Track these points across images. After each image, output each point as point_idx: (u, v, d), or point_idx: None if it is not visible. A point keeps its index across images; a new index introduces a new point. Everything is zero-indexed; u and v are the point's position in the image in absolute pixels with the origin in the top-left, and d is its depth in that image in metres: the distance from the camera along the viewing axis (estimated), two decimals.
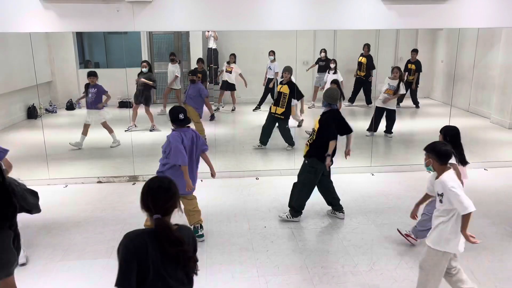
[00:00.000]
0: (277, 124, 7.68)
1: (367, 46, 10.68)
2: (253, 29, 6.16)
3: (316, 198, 5.71)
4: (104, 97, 7.66)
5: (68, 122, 9.78)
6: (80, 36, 10.81)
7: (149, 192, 2.25)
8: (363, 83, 10.72)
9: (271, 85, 9.89)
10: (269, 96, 9.99)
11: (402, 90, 8.25)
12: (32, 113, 9.54)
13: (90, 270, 4.12)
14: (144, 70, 8.87)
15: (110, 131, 7.86)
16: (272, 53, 9.96)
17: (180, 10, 5.75)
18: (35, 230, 4.90)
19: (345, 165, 6.95)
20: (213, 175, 4.74)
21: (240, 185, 6.20)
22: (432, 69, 12.29)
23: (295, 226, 4.98)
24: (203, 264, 4.18)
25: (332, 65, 9.98)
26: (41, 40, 9.65)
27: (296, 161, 6.86)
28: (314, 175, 4.99)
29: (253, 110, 10.07)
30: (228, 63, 10.18)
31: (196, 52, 10.97)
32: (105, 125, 7.78)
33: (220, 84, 10.41)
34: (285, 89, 7.41)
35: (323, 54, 10.71)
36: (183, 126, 4.40)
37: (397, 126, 9.08)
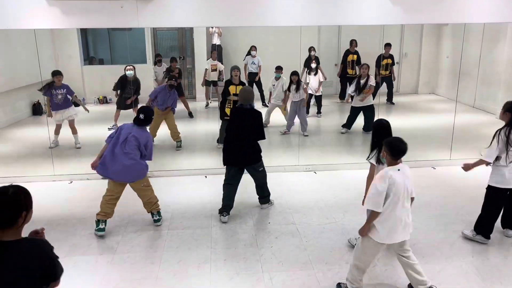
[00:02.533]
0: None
1: (355, 42, 10.32)
2: (257, 25, 6.14)
3: (320, 195, 5.72)
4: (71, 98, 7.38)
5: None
6: (84, 33, 10.83)
7: None
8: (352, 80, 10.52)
9: (256, 79, 9.96)
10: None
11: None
12: (37, 110, 9.59)
13: (95, 265, 4.14)
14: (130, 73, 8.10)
15: (75, 132, 7.60)
16: (254, 48, 10.00)
17: (184, 6, 5.74)
18: (41, 226, 4.93)
19: (349, 161, 6.95)
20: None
21: (244, 182, 6.20)
22: (437, 65, 12.23)
23: (299, 222, 4.99)
24: (208, 260, 4.20)
25: (313, 65, 9.38)
26: (46, 36, 9.67)
27: (300, 158, 6.87)
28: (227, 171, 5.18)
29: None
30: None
31: (200, 48, 10.96)
32: (72, 124, 7.55)
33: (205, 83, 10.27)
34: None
35: (312, 53, 9.88)
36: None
37: (401, 122, 9.04)
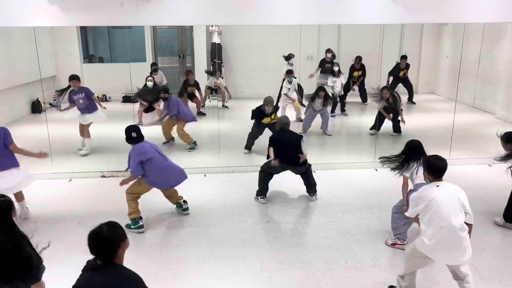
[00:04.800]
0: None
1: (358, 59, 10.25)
2: (257, 24, 6.13)
3: (319, 194, 5.72)
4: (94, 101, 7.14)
5: (72, 116, 9.77)
6: (84, 31, 10.82)
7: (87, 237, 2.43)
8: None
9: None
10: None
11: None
12: (36, 108, 9.57)
13: None
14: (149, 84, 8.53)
15: (88, 136, 7.32)
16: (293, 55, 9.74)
17: (184, 4, 5.74)
18: (40, 225, 4.92)
19: (349, 161, 6.96)
20: None
21: (243, 180, 6.21)
22: (437, 65, 12.23)
23: (298, 221, 4.99)
24: (207, 259, 4.20)
25: (336, 68, 9.55)
26: (45, 34, 9.66)
27: None
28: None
29: None
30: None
31: (200, 47, 10.96)
32: (86, 128, 7.25)
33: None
34: None
35: (329, 55, 10.03)
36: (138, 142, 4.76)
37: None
